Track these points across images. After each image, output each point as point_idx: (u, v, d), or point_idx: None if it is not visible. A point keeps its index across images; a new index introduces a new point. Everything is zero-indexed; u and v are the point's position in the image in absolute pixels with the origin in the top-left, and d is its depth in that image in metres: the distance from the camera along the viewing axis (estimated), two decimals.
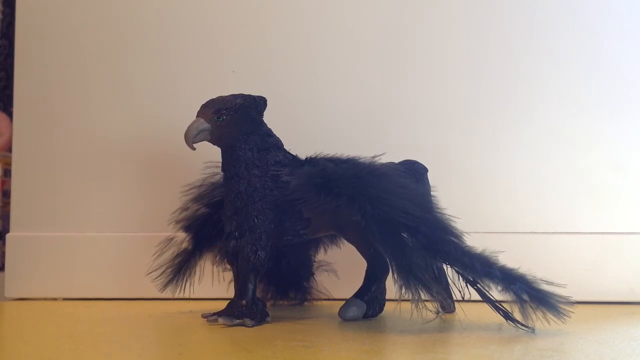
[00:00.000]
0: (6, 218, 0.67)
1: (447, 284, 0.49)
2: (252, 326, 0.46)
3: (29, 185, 0.63)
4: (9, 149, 0.70)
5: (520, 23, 0.62)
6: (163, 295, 0.60)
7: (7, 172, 0.76)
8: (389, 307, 0.52)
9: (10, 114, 0.79)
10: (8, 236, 0.63)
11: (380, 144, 0.60)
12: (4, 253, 0.64)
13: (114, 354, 0.39)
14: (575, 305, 0.44)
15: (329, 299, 0.56)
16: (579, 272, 0.59)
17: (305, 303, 0.58)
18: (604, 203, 0.61)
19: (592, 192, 0.61)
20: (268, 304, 0.51)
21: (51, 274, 0.62)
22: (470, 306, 0.50)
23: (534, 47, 0.62)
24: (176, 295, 0.53)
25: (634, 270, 0.60)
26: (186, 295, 0.53)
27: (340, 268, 0.58)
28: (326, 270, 0.58)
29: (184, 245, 0.53)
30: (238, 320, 0.46)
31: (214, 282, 0.55)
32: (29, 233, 0.63)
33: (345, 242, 0.54)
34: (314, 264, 0.57)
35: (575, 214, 0.61)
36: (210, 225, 0.52)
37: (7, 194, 0.72)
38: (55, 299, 0.62)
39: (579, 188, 0.61)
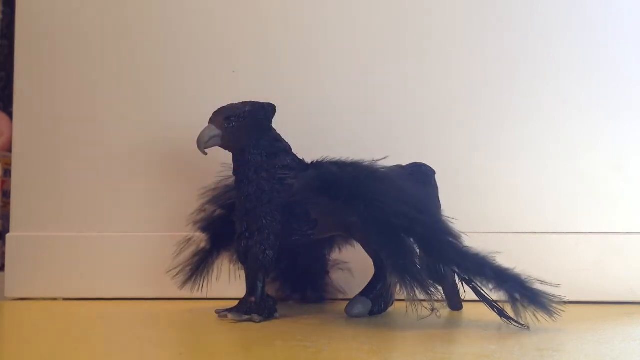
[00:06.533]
0: (6, 218, 0.67)
1: (454, 282, 0.49)
2: (260, 322, 0.47)
3: (29, 185, 0.63)
4: (9, 149, 0.70)
5: (521, 23, 0.62)
6: (163, 295, 0.60)
7: (7, 172, 0.76)
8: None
9: (10, 114, 0.79)
10: (8, 236, 0.63)
11: (382, 145, 0.60)
12: (4, 253, 0.64)
13: (114, 354, 0.39)
14: (567, 304, 0.44)
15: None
16: (579, 272, 0.59)
17: (323, 302, 0.58)
18: (604, 203, 0.61)
19: (592, 192, 0.61)
20: (283, 303, 0.52)
21: (51, 274, 0.62)
22: (470, 306, 0.50)
23: (535, 48, 0.62)
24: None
25: (634, 270, 0.60)
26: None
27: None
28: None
29: (202, 245, 0.54)
30: (246, 316, 0.48)
31: (231, 280, 0.55)
32: (29, 233, 0.63)
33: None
34: (329, 262, 0.58)
35: (575, 214, 0.61)
36: (227, 226, 0.52)
37: (7, 194, 0.72)
38: (55, 299, 0.62)
39: (579, 188, 0.61)
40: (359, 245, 0.53)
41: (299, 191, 0.48)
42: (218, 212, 0.54)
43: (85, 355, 0.38)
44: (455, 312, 0.53)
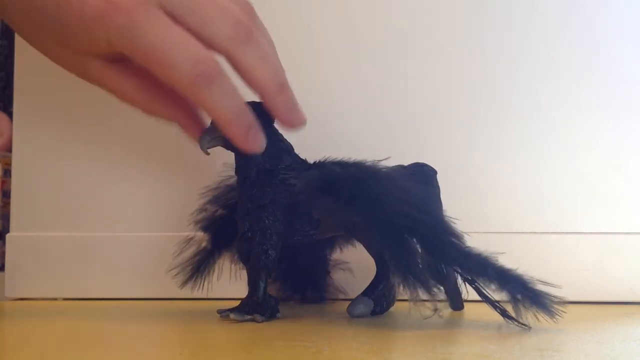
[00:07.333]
0: (6, 218, 0.67)
1: (456, 282, 0.50)
2: (262, 321, 0.47)
3: (29, 185, 0.63)
4: (9, 149, 0.70)
5: (521, 23, 0.62)
6: (163, 295, 0.60)
7: (7, 172, 0.76)
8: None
9: (10, 114, 0.79)
10: (8, 236, 0.63)
11: (383, 145, 0.60)
12: (4, 253, 0.64)
13: (113, 353, 0.39)
14: (568, 305, 0.44)
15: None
16: (579, 272, 0.60)
17: (324, 302, 0.58)
18: (604, 203, 0.61)
19: (592, 192, 0.61)
20: (284, 303, 0.52)
21: (51, 274, 0.62)
22: (471, 306, 0.50)
23: (534, 48, 0.62)
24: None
25: (634, 270, 0.60)
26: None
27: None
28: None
29: (203, 244, 0.54)
30: (249, 316, 0.47)
31: (232, 280, 0.55)
32: (29, 233, 0.63)
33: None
34: (330, 262, 0.58)
35: (575, 214, 0.61)
36: (228, 226, 0.52)
37: (7, 194, 0.72)
38: (55, 299, 0.62)
39: (579, 188, 0.61)
40: (360, 245, 0.53)
41: (301, 191, 0.48)
42: (219, 212, 0.53)
43: (85, 355, 0.38)
44: (456, 312, 0.53)
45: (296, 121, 0.48)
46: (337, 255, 0.58)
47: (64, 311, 0.56)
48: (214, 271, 0.54)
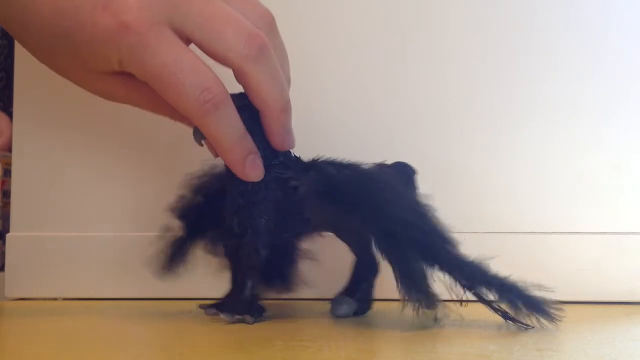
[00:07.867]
0: (6, 218, 0.67)
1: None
2: (252, 322, 0.46)
3: (29, 185, 0.63)
4: (9, 149, 0.70)
5: (520, 23, 0.62)
6: (162, 295, 0.60)
7: (7, 172, 0.75)
8: (389, 306, 0.52)
9: (10, 114, 0.79)
10: (8, 236, 0.63)
11: (382, 145, 0.60)
12: (4, 253, 0.64)
13: (113, 354, 0.39)
14: (567, 304, 0.44)
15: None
16: (579, 272, 0.59)
17: (290, 293, 0.57)
18: (604, 203, 0.61)
19: (592, 192, 0.61)
20: (276, 303, 0.52)
21: (51, 274, 0.62)
22: (470, 306, 0.50)
23: (534, 47, 0.62)
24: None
25: (634, 270, 0.60)
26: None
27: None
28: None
29: (178, 233, 0.52)
30: (238, 316, 0.47)
31: (211, 278, 0.54)
32: (29, 233, 0.63)
33: (325, 233, 0.53)
34: (298, 253, 0.57)
35: (575, 214, 0.61)
36: (204, 214, 0.51)
37: (7, 194, 0.72)
38: (55, 299, 0.62)
39: (579, 188, 0.61)
40: (327, 240, 0.52)
41: (304, 196, 0.47)
42: (197, 199, 0.52)
43: (85, 355, 0.38)
44: (456, 312, 0.53)
45: (287, 144, 0.48)
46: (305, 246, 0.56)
47: (64, 311, 0.56)
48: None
